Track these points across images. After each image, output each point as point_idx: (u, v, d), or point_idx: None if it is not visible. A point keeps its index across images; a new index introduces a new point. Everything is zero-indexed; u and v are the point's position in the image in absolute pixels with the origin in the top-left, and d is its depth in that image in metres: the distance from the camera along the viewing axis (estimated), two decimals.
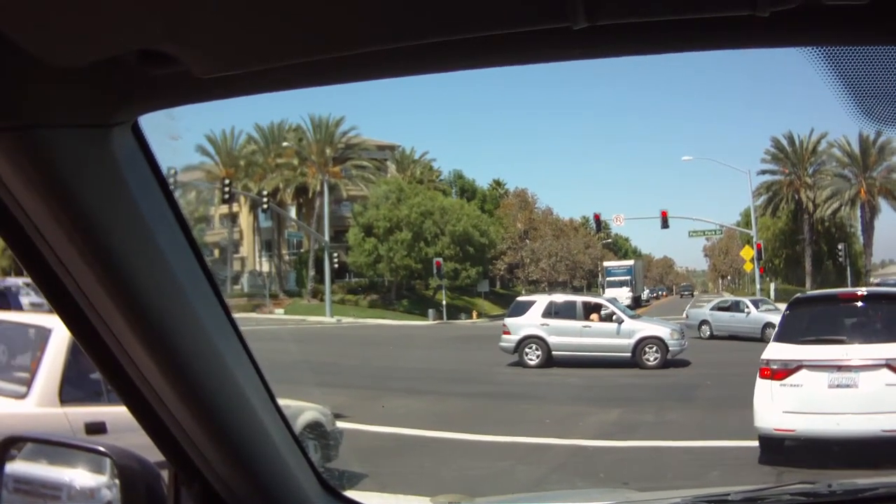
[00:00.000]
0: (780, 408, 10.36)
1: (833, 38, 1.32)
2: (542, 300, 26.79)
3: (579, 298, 28.17)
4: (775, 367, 10.51)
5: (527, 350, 25.23)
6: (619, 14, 1.19)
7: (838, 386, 10.11)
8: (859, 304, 11.39)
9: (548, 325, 25.37)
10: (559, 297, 27.60)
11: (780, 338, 11.04)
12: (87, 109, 1.41)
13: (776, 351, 10.81)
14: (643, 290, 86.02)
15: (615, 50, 1.33)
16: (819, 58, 1.35)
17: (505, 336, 25.81)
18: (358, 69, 1.38)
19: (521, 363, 25.01)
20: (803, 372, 10.31)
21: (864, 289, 14.78)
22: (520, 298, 29.97)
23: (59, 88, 1.34)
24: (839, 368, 10.11)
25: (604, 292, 70.96)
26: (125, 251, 1.56)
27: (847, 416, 9.93)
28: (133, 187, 1.54)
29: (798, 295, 12.58)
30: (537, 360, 25.00)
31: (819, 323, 11.12)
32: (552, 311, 25.88)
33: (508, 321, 26.21)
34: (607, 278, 74.32)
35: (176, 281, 1.69)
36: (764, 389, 10.57)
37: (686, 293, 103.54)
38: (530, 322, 25.47)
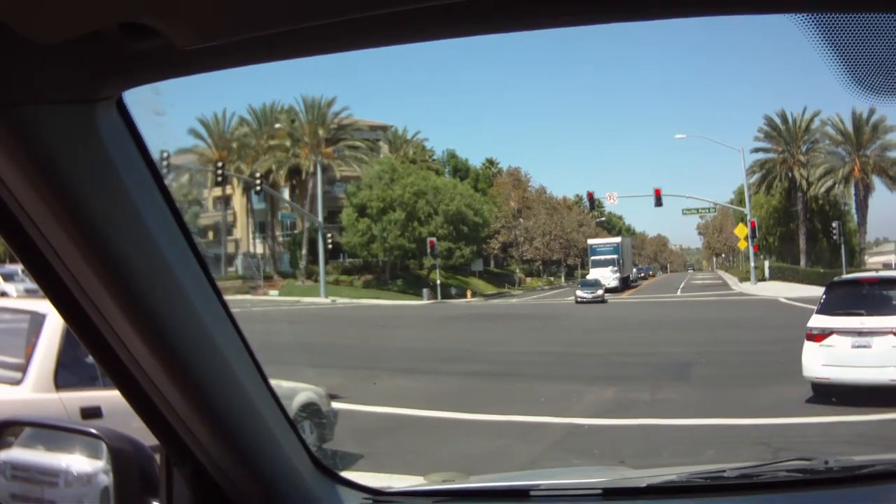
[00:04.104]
0: (820, 362, 13.53)
1: (824, 4, 1.29)
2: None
3: None
4: (815, 332, 13.68)
5: None
6: None
7: (858, 347, 13.24)
8: (876, 285, 14.48)
9: None
10: None
11: (821, 311, 14.12)
12: (70, 85, 1.39)
13: (817, 321, 13.91)
14: (632, 269, 79.75)
15: (602, 17, 1.31)
16: (810, 25, 1.32)
17: None
18: (343, 37, 1.35)
19: None
20: (834, 336, 13.50)
21: (882, 273, 17.57)
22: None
23: (41, 65, 1.32)
24: (859, 333, 13.25)
25: (588, 272, 68.58)
26: (112, 229, 1.54)
27: (865, 369, 13.03)
28: (119, 163, 1.52)
29: (834, 279, 16.15)
30: None
31: (846, 299, 14.21)
32: None
33: None
34: (592, 257, 70.04)
35: (164, 260, 1.66)
36: (809, 349, 13.73)
37: (690, 268, 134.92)
38: None
